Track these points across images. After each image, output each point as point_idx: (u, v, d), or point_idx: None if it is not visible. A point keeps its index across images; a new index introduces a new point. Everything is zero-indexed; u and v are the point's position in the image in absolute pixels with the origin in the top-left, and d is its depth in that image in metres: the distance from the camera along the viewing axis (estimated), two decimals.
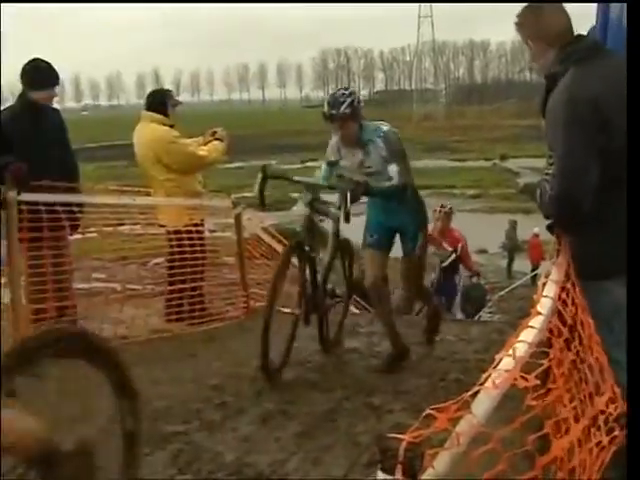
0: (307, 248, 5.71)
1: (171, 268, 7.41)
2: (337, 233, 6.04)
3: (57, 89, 6.76)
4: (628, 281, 3.14)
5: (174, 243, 7.23)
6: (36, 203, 6.00)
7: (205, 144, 7.56)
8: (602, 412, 2.61)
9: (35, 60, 6.60)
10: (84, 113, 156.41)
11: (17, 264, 6.01)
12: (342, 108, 5.68)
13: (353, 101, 5.74)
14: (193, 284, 7.32)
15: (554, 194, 3.47)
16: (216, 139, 7.62)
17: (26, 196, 5.95)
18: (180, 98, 8.29)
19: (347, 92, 5.81)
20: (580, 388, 2.69)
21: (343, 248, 6.28)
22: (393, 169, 5.76)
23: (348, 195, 5.37)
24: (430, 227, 9.37)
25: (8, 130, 6.30)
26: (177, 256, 7.22)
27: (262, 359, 5.24)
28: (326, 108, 5.74)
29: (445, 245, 12.21)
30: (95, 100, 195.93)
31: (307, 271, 5.74)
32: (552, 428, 2.26)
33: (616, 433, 2.66)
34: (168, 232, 7.34)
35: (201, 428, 4.71)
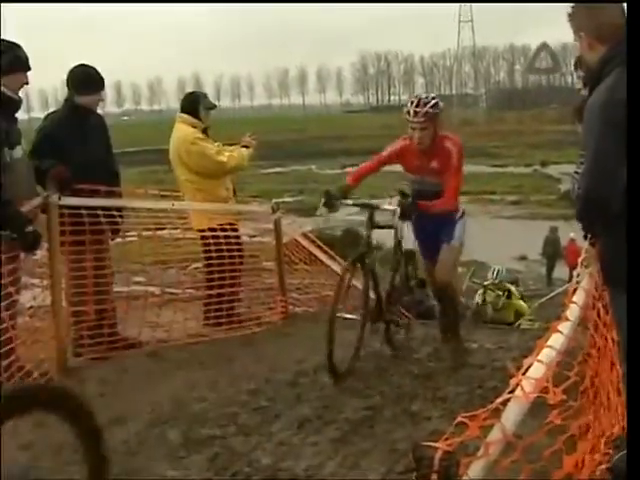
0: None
1: (208, 266, 7.45)
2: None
3: (102, 94, 6.85)
4: (628, 281, 3.08)
5: (210, 242, 7.26)
6: (77, 207, 6.07)
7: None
8: (604, 432, 2.57)
9: (81, 65, 6.69)
10: (124, 118, 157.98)
11: (58, 267, 6.08)
12: None
13: None
14: (230, 288, 7.35)
15: (581, 193, 3.45)
16: (243, 146, 7.63)
17: (68, 200, 6.02)
18: (220, 103, 8.34)
19: None
20: (595, 403, 2.67)
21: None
22: None
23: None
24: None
25: (54, 134, 6.40)
26: (214, 255, 7.23)
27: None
28: None
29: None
30: (137, 105, 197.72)
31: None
32: (565, 443, 2.25)
33: (610, 451, 2.61)
34: (200, 230, 7.40)
35: (238, 432, 4.73)
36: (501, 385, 5.36)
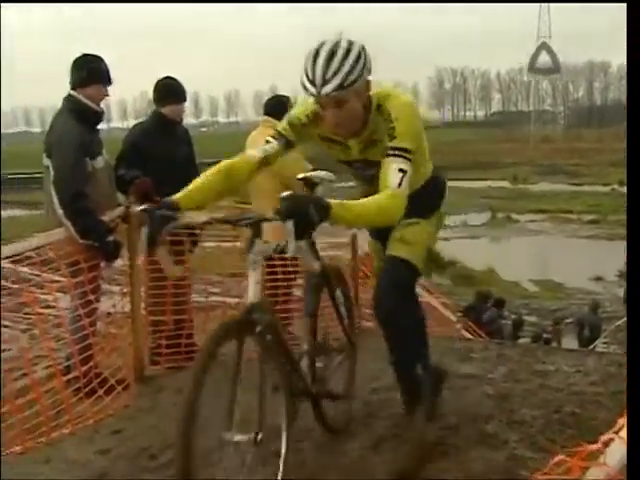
0: None
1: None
2: None
3: (183, 105, 7.00)
4: (628, 280, 2.94)
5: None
6: None
7: None
8: None
9: (166, 78, 6.90)
10: (203, 129, 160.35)
11: (138, 276, 6.17)
12: None
13: None
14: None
15: None
16: None
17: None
18: None
19: None
20: None
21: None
22: None
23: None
24: None
25: (139, 143, 6.56)
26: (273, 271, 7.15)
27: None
28: None
29: None
30: (214, 116, 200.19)
31: None
32: None
33: None
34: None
35: (312, 449, 4.71)
36: (579, 410, 5.26)
